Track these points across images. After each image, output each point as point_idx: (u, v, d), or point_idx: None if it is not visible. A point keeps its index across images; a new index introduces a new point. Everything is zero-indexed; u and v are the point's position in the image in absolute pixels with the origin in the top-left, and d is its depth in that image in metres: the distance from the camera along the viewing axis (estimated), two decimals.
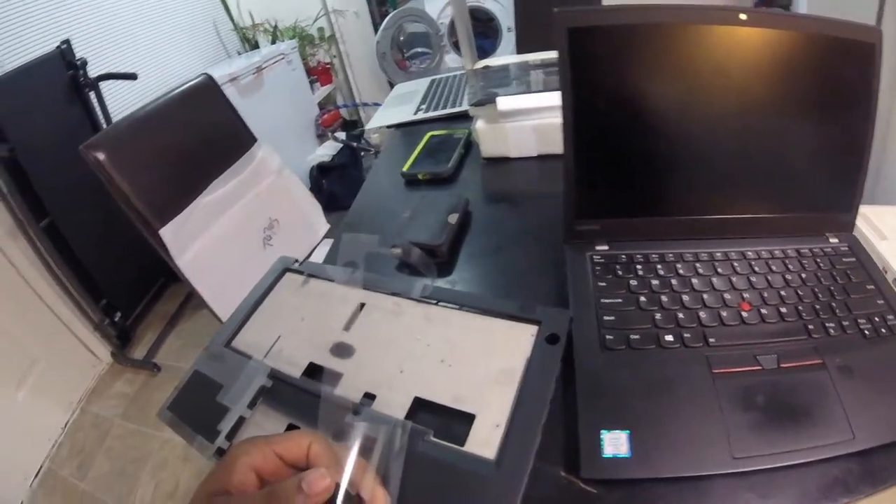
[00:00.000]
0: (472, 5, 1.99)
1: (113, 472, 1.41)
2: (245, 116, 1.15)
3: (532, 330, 0.41)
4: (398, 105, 1.08)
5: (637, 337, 0.41)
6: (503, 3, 2.00)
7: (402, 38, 2.14)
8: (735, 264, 0.46)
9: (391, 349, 0.43)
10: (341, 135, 2.58)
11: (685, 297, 0.43)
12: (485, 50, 2.07)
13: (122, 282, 1.73)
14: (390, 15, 2.06)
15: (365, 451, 0.29)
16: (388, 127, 1.00)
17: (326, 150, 2.41)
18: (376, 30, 2.21)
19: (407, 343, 0.43)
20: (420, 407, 0.39)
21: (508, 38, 2.05)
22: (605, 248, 0.49)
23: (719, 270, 0.46)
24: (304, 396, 0.41)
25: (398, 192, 0.77)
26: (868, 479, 0.32)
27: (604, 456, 0.34)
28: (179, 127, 1.01)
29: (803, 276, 0.45)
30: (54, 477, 1.43)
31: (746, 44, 0.44)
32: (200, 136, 1.04)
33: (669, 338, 0.40)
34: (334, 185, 2.31)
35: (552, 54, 0.84)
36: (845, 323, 0.41)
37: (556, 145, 0.74)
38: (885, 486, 0.32)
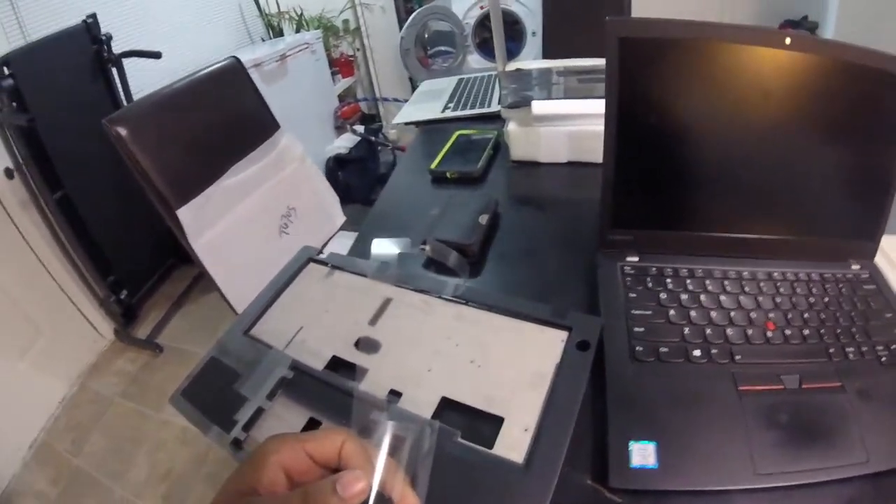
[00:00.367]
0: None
1: (108, 449, 1.40)
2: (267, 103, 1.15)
3: (562, 335, 0.41)
4: (425, 101, 1.08)
5: (666, 350, 0.41)
6: (529, 6, 2.00)
7: (426, 36, 2.14)
8: (761, 284, 0.46)
9: (419, 347, 0.43)
10: (360, 128, 2.57)
11: (713, 314, 0.44)
12: (510, 52, 2.06)
13: (131, 260, 1.72)
14: (416, 11, 2.06)
15: (394, 451, 0.28)
16: (417, 124, 0.99)
17: (344, 143, 2.40)
18: (401, 25, 2.21)
19: (435, 342, 0.43)
20: (446, 407, 0.39)
21: (532, 42, 2.05)
22: (636, 259, 0.49)
23: (746, 289, 0.46)
24: (327, 390, 0.40)
25: (424, 189, 0.77)
26: (881, 502, 0.33)
27: (632, 466, 0.34)
28: (204, 108, 1.01)
29: (826, 300, 0.45)
30: (49, 450, 1.42)
31: (788, 67, 0.44)
32: (225, 118, 1.03)
33: (697, 353, 0.41)
34: (351, 178, 2.30)
35: (586, 61, 0.85)
36: (864, 348, 0.41)
37: (588, 153, 0.73)
38: None
